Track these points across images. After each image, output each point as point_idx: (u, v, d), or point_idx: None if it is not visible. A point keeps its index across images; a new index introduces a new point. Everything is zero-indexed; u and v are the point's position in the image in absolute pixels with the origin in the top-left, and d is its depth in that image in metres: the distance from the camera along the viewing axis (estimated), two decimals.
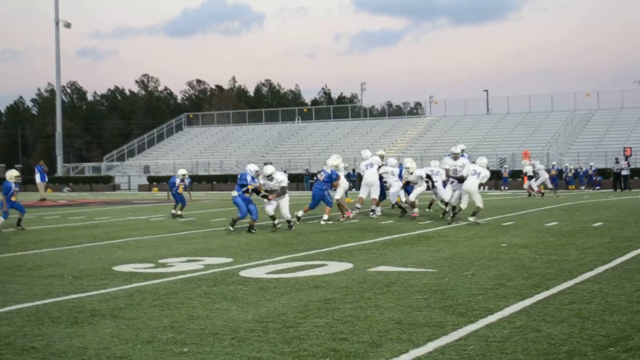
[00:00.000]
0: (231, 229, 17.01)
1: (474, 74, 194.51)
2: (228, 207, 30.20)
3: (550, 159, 56.73)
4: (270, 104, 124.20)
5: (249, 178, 16.80)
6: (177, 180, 23.74)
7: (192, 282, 9.63)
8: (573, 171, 49.31)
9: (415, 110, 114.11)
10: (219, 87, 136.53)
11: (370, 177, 21.18)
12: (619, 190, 43.14)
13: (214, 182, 64.51)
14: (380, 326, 6.69)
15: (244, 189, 16.79)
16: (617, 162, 45.50)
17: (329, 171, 19.92)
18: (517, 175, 53.09)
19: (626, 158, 49.03)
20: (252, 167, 17.03)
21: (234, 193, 17.13)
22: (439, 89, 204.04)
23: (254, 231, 16.46)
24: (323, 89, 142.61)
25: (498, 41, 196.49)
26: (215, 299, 8.33)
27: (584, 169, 49.81)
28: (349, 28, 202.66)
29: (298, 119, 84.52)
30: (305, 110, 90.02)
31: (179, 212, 23.29)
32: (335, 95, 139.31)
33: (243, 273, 10.32)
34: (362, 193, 21.18)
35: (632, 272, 9.62)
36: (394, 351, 5.82)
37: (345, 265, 10.83)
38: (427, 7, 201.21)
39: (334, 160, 20.29)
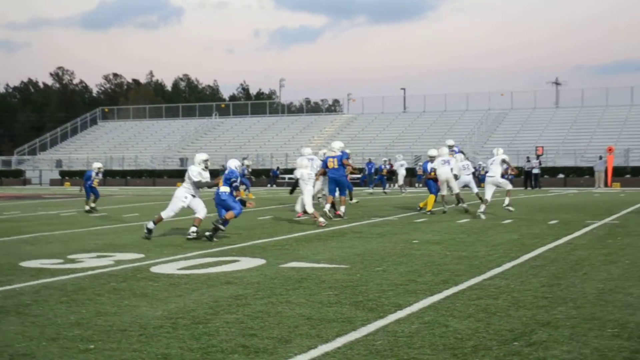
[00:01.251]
0: (216, 239, 13.98)
1: (391, 72, 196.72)
2: (142, 202, 29.87)
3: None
4: (188, 99, 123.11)
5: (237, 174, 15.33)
6: (93, 174, 23.41)
7: (102, 278, 9.48)
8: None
9: (333, 107, 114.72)
10: (136, 81, 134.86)
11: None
12: (529, 188, 44.15)
13: (128, 177, 63.80)
14: (290, 322, 6.69)
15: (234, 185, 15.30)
16: (529, 161, 46.60)
17: (338, 154, 19.55)
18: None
19: (537, 157, 50.16)
20: (235, 163, 15.18)
21: (224, 189, 14.42)
22: (357, 87, 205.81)
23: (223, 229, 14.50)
24: (242, 84, 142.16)
25: (415, 40, 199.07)
26: (124, 295, 8.21)
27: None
28: (268, 24, 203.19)
29: (215, 115, 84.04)
30: (223, 105, 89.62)
31: (92, 205, 22.97)
32: (253, 91, 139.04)
33: (154, 269, 10.21)
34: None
35: (538, 269, 9.83)
36: (303, 347, 5.83)
37: (258, 261, 10.80)
38: (346, 5, 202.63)
39: (338, 144, 20.29)
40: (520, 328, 6.36)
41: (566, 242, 13.12)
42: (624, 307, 7.14)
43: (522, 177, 46.25)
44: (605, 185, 46.20)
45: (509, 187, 20.01)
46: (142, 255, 11.74)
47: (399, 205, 25.58)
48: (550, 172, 52.39)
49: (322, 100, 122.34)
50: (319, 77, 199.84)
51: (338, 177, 19.40)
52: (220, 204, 14.33)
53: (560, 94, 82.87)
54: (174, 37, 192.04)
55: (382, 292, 8.14)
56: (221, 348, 5.84)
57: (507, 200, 20.03)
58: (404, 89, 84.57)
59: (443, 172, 21.07)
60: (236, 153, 68.60)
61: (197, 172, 14.76)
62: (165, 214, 14.66)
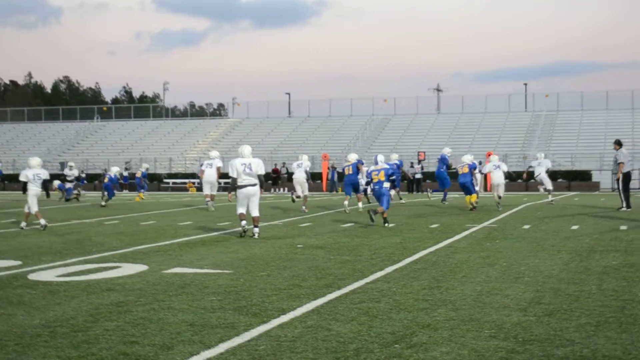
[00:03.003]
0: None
1: (276, 76, 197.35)
2: (20, 207, 29.02)
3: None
4: (69, 101, 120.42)
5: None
6: None
7: None
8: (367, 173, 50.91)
9: (218, 111, 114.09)
10: (13, 83, 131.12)
11: (298, 175, 25.33)
12: (413, 192, 44.96)
13: (6, 182, 61.81)
14: (173, 328, 6.61)
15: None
16: (412, 167, 47.48)
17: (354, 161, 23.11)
18: (316, 177, 54.05)
19: (419, 162, 51.15)
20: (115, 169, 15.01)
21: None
22: (242, 91, 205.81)
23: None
24: (124, 87, 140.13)
25: (300, 45, 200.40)
26: (0, 303, 7.96)
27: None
28: (150, 27, 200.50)
29: (97, 118, 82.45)
30: (105, 108, 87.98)
31: None
32: (137, 94, 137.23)
33: (32, 276, 9.93)
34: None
35: (419, 272, 10.01)
36: (185, 353, 5.77)
37: (140, 267, 10.64)
38: (229, 8, 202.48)
39: (354, 156, 24.78)
40: (401, 330, 6.46)
41: (446, 245, 13.40)
42: (501, 309, 7.34)
43: (407, 183, 47.05)
44: (485, 190, 47.38)
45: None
46: (19, 262, 11.40)
47: (284, 210, 25.62)
48: (433, 177, 53.46)
49: (206, 104, 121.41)
50: (203, 80, 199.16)
51: (354, 181, 23.40)
52: None
53: (441, 100, 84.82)
54: (53, 37, 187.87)
55: (265, 297, 8.13)
56: (101, 356, 5.72)
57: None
58: (288, 94, 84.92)
59: (495, 177, 25.56)
60: (119, 157, 67.55)
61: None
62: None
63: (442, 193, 28.65)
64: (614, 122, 64.59)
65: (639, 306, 7.41)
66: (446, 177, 28.11)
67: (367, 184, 24.08)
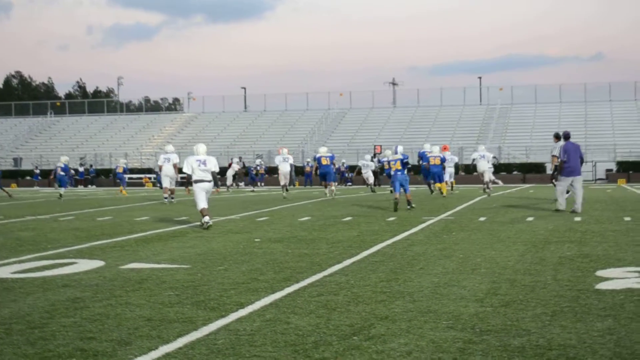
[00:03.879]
0: None
1: (231, 71, 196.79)
2: None
3: (305, 155, 58.26)
4: (21, 96, 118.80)
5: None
6: None
7: None
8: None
9: (174, 106, 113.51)
10: None
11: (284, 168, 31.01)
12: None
13: None
14: (130, 324, 6.57)
15: None
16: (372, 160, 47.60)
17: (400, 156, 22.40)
18: (273, 171, 54.00)
19: (375, 155, 51.31)
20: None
21: None
22: (198, 86, 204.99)
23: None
24: (78, 82, 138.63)
25: (254, 40, 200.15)
26: None
27: (336, 166, 51.62)
28: (101, 21, 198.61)
29: (51, 113, 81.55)
30: (58, 104, 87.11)
31: None
32: (90, 89, 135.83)
33: None
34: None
35: (377, 264, 10.05)
36: (143, 348, 5.74)
37: (97, 263, 10.56)
38: (182, 3, 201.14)
39: (400, 147, 24.97)
40: (359, 323, 6.48)
41: (404, 238, 13.48)
42: (458, 300, 7.40)
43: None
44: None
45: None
46: None
47: (242, 203, 25.57)
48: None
49: (162, 99, 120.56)
50: (158, 75, 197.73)
51: (402, 176, 22.33)
52: None
53: (397, 93, 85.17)
54: (2, 32, 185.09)
55: (223, 291, 8.11)
56: (58, 352, 5.67)
57: None
58: (244, 88, 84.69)
59: (481, 165, 29.57)
60: (73, 153, 66.89)
61: None
62: None
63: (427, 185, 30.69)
64: (567, 115, 65.44)
65: (593, 296, 7.51)
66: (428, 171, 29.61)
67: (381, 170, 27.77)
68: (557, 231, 14.10)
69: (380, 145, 55.20)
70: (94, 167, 61.91)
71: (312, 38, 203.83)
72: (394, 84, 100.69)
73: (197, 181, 16.34)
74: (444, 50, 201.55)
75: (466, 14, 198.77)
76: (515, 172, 53.52)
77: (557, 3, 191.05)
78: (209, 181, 16.37)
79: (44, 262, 10.87)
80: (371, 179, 37.52)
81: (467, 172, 50.77)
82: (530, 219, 17.00)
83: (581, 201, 19.05)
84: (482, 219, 17.29)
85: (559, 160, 19.30)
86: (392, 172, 21.81)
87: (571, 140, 19.71)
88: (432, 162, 27.61)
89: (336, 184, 34.08)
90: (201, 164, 16.23)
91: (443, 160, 27.84)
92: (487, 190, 29.18)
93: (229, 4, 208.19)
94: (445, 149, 30.99)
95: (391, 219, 17.67)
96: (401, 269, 9.57)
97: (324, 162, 29.78)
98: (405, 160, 21.53)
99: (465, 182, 47.08)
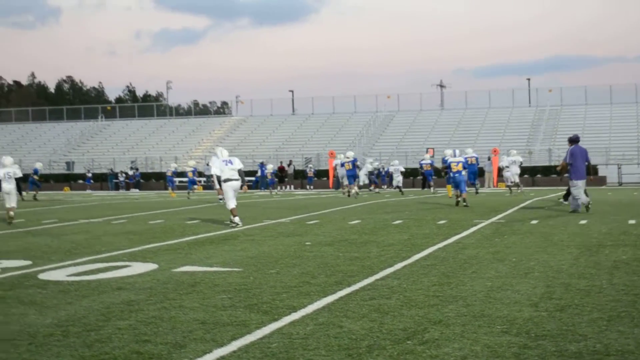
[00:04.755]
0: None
1: (278, 74, 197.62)
2: (28, 207, 29.06)
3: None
4: (73, 101, 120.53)
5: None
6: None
7: None
8: (377, 171, 50.91)
9: (222, 109, 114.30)
10: (17, 83, 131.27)
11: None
12: (426, 189, 44.94)
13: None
14: (184, 327, 6.62)
15: None
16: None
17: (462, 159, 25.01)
18: (322, 174, 54.17)
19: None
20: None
21: None
22: (245, 89, 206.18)
23: None
24: (128, 87, 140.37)
25: (300, 42, 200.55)
26: (11, 303, 7.98)
27: (385, 169, 51.46)
28: (149, 25, 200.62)
29: (101, 117, 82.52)
30: (109, 108, 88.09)
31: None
32: (140, 93, 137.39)
33: (42, 276, 9.95)
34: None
35: (428, 268, 10.01)
36: (198, 351, 5.78)
37: (150, 266, 10.66)
38: (228, 6, 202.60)
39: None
40: (412, 327, 6.46)
41: (455, 241, 13.40)
42: (512, 304, 7.33)
43: (420, 179, 47.05)
44: (492, 185, 47.45)
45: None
46: (29, 262, 11.42)
47: (291, 207, 25.64)
48: (439, 173, 53.41)
49: (210, 103, 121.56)
50: (206, 79, 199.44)
51: (461, 177, 24.09)
52: None
53: (444, 96, 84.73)
54: (53, 37, 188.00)
55: (276, 295, 8.14)
56: (114, 355, 5.73)
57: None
58: (292, 91, 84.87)
59: (513, 170, 33.68)
60: (124, 156, 67.65)
61: None
62: None
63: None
64: (618, 116, 64.50)
65: None
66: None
67: (444, 170, 28.25)
68: (611, 234, 13.91)
69: (433, 148, 54.88)
70: (139, 170, 62.45)
71: (358, 40, 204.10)
72: (441, 86, 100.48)
73: (226, 180, 17.71)
74: (489, 52, 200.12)
75: (512, 15, 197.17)
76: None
77: (605, 5, 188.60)
78: (237, 179, 17.76)
79: (99, 265, 11.01)
80: (398, 182, 39.84)
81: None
82: (583, 222, 16.78)
83: (579, 203, 20.02)
84: (534, 222, 17.11)
85: (565, 162, 20.47)
86: (452, 174, 23.83)
87: (579, 144, 20.73)
88: (454, 168, 25.58)
89: (358, 184, 36.49)
90: (228, 164, 17.73)
91: (464, 164, 25.85)
92: (517, 190, 33.63)
93: (273, 8, 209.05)
94: (331, 154, 33.72)
95: (442, 222, 17.57)
96: (453, 273, 9.51)
97: (347, 167, 34.20)
98: (465, 164, 24.33)
99: (528, 186, 46.63)
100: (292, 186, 52.35)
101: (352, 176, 34.14)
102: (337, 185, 51.08)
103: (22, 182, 20.79)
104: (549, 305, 7.23)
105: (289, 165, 54.82)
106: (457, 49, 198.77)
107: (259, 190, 47.43)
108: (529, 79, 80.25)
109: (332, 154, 53.65)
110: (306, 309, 7.29)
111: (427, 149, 55.03)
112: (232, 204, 17.41)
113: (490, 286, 8.42)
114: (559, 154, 57.99)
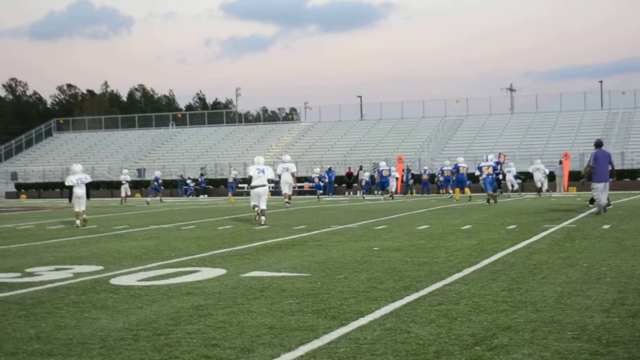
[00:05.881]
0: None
1: (346, 80, 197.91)
2: (99, 213, 29.61)
3: (422, 163, 57.98)
4: (144, 109, 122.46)
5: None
6: None
7: (61, 291, 9.37)
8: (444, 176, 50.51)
9: (291, 115, 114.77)
10: (90, 92, 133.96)
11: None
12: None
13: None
14: (252, 331, 6.66)
15: None
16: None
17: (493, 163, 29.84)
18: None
19: (499, 164, 50.43)
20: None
21: None
22: (314, 95, 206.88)
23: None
24: (197, 94, 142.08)
25: (368, 48, 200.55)
26: (84, 307, 8.12)
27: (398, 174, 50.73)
28: (219, 33, 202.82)
29: (172, 125, 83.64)
30: (179, 115, 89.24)
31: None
32: (210, 100, 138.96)
33: (113, 281, 10.11)
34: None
35: (497, 273, 9.90)
36: (266, 356, 5.81)
37: (218, 271, 10.76)
38: (295, 13, 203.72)
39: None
40: (481, 332, 6.40)
41: (525, 246, 13.23)
42: (583, 310, 7.21)
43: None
44: (563, 189, 46.82)
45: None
46: (101, 267, 11.63)
47: (359, 212, 25.63)
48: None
49: (279, 109, 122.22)
50: (274, 85, 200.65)
51: (491, 178, 29.05)
52: None
53: (514, 99, 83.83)
54: (125, 47, 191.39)
55: (343, 300, 8.14)
56: (183, 359, 5.80)
57: None
58: (360, 97, 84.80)
59: (536, 176, 40.55)
60: (194, 163, 68.46)
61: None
62: None
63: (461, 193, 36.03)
64: None
65: None
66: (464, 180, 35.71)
67: (454, 174, 36.12)
68: None
69: (505, 155, 54.23)
70: (205, 177, 63.06)
71: (427, 45, 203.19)
72: (511, 89, 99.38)
73: (253, 187, 20.49)
74: (558, 55, 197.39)
75: (580, 18, 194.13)
76: (639, 178, 51.80)
77: None
78: (263, 186, 20.42)
79: (168, 270, 11.14)
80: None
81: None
82: None
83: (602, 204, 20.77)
84: (606, 226, 16.81)
85: (589, 166, 21.23)
86: (484, 176, 28.75)
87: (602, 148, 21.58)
88: (485, 172, 29.44)
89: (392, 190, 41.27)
90: (260, 172, 20.40)
91: (495, 168, 30.62)
92: (544, 194, 38.74)
93: (341, 14, 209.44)
94: (399, 159, 35.95)
95: (511, 227, 17.37)
96: (523, 278, 9.39)
97: (385, 174, 38.76)
98: (495, 167, 28.53)
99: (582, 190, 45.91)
100: (361, 191, 52.18)
101: (388, 182, 40.01)
102: (405, 190, 50.95)
103: (91, 188, 22.50)
104: (621, 311, 7.10)
105: (359, 169, 54.64)
106: (526, 52, 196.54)
107: (326, 196, 47.49)
108: (601, 82, 78.54)
109: (400, 159, 53.49)
110: (374, 314, 7.28)
111: (499, 154, 54.42)
112: (254, 202, 20.49)
113: (560, 292, 8.30)
114: (632, 157, 56.90)
